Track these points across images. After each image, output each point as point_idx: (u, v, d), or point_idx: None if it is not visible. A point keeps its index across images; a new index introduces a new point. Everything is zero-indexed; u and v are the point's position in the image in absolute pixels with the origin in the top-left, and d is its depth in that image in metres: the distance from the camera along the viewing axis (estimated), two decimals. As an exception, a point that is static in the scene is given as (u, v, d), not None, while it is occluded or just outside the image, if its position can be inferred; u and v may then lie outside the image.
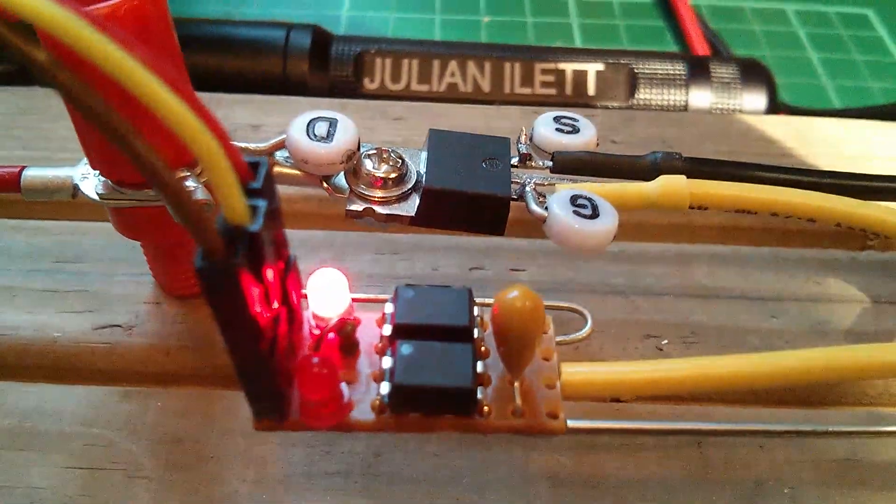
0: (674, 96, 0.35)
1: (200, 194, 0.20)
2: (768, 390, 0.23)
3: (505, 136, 0.22)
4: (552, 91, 0.35)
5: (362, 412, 0.16)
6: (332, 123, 0.20)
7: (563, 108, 0.23)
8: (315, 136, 0.20)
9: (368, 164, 0.21)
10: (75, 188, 0.21)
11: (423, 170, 0.21)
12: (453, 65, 0.35)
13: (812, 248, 0.27)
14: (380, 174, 0.20)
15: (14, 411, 0.21)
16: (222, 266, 0.12)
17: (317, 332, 0.17)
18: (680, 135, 0.30)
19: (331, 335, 0.16)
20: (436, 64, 0.35)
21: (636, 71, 0.35)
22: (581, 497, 0.19)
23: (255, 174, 0.14)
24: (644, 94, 0.35)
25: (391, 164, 0.21)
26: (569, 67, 0.35)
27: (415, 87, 0.35)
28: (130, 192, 0.20)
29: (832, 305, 0.25)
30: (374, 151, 0.21)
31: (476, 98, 0.35)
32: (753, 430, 0.19)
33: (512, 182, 0.20)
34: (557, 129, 0.22)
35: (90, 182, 0.21)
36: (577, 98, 0.35)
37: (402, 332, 0.16)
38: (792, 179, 0.21)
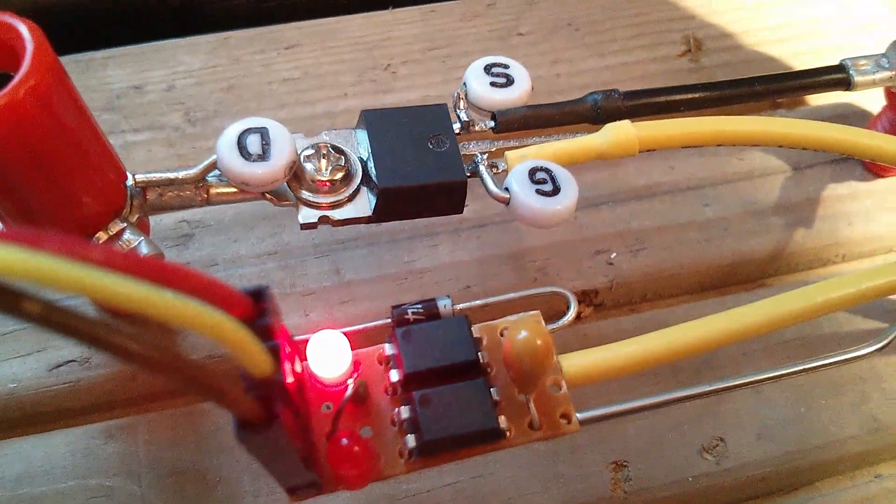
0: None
1: (144, 247, 0.18)
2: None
3: (441, 104, 0.21)
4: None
5: (391, 463, 0.16)
6: (264, 134, 0.19)
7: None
8: (250, 154, 0.18)
9: (310, 168, 0.19)
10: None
11: (363, 155, 0.20)
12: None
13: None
14: (325, 177, 0.19)
15: (4, 481, 0.20)
16: (264, 430, 0.12)
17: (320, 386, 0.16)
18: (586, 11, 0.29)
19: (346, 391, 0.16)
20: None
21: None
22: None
23: (255, 304, 0.13)
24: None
25: (332, 161, 0.20)
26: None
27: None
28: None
29: (757, 181, 0.26)
30: (312, 151, 0.20)
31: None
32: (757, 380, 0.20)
33: (463, 157, 0.20)
34: (492, 84, 0.21)
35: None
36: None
37: (415, 381, 0.16)
38: (725, 95, 0.21)
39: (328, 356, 0.16)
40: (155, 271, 0.11)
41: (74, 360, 0.22)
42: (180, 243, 0.24)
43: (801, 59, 0.29)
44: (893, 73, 0.23)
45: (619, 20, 0.29)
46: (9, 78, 0.16)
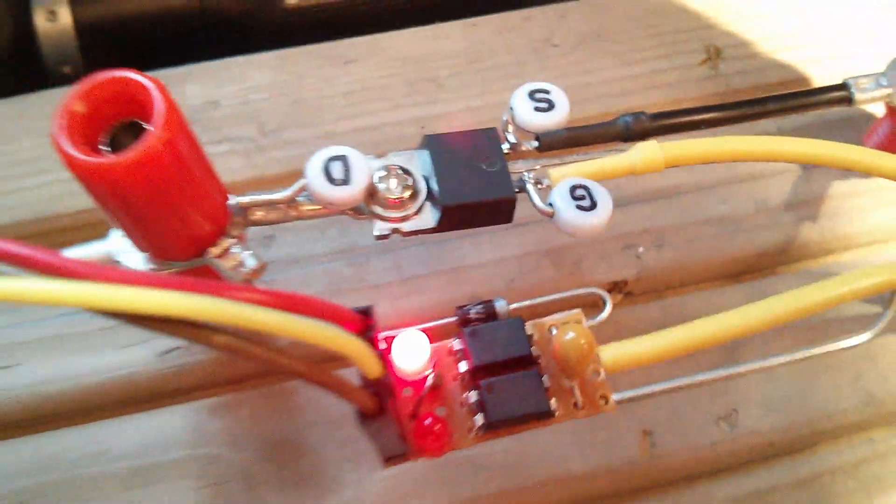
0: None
1: (250, 260, 0.22)
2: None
3: (492, 128, 0.24)
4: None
5: (462, 437, 0.20)
6: (344, 161, 0.22)
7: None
8: (334, 179, 0.22)
9: (383, 187, 0.23)
10: (117, 263, 0.23)
11: (426, 173, 0.23)
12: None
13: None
14: (395, 195, 0.23)
15: (125, 453, 0.24)
16: (378, 418, 0.16)
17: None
18: (613, 22, 0.32)
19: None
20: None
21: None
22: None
23: (364, 321, 0.16)
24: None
25: (401, 181, 0.23)
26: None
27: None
28: (178, 263, 0.22)
29: (768, 181, 0.29)
30: (384, 173, 0.23)
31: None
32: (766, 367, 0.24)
33: (511, 174, 0.23)
34: (536, 109, 0.24)
35: (133, 256, 0.23)
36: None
37: (480, 372, 0.20)
38: (741, 114, 0.25)
39: (412, 354, 0.20)
40: (299, 304, 0.14)
41: (179, 347, 0.26)
42: (264, 244, 0.27)
43: (813, 65, 0.32)
44: (891, 90, 0.26)
45: (644, 30, 0.32)
46: (134, 124, 0.20)
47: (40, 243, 0.27)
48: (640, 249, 0.28)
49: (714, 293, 0.28)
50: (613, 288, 0.27)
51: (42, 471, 0.24)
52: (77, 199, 0.28)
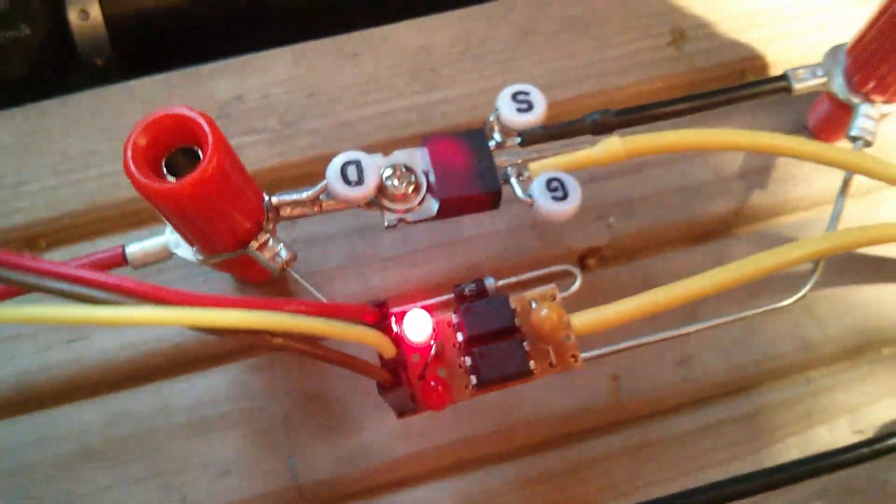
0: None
1: (284, 252, 0.27)
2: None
3: (480, 128, 0.28)
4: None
5: (460, 392, 0.25)
6: (358, 165, 0.26)
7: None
8: (349, 181, 0.26)
9: (390, 185, 0.27)
10: (172, 254, 0.27)
11: (426, 168, 0.28)
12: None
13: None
14: (401, 191, 0.27)
15: (180, 408, 0.29)
16: (395, 388, 0.21)
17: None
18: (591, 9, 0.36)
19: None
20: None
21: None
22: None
23: (380, 312, 0.21)
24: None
25: (405, 178, 0.27)
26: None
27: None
28: (225, 254, 0.27)
29: (723, 154, 0.33)
30: (391, 171, 0.27)
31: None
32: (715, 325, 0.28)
33: (497, 167, 0.27)
34: (518, 110, 0.28)
35: (185, 248, 0.27)
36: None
37: (473, 341, 0.24)
38: (692, 106, 0.29)
39: (418, 328, 0.24)
40: (332, 309, 0.19)
41: (223, 317, 0.31)
42: (288, 225, 0.32)
43: (773, 43, 0.35)
44: (824, 79, 0.30)
45: (617, 15, 0.36)
46: (187, 148, 0.24)
47: (90, 231, 0.32)
48: (612, 219, 0.32)
49: (677, 255, 0.32)
50: (588, 254, 0.32)
51: (113, 425, 0.29)
52: (123, 191, 0.32)
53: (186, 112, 0.23)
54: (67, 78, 0.40)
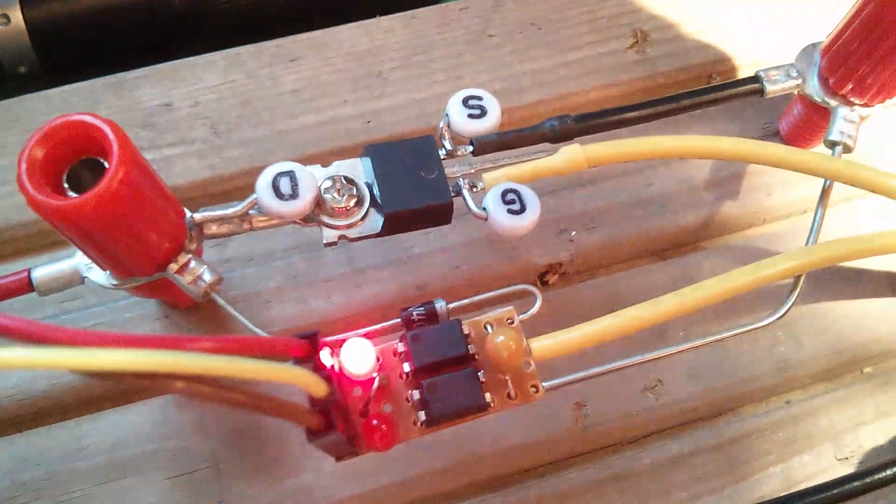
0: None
1: (207, 274, 0.24)
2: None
3: (429, 136, 0.25)
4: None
5: (407, 429, 0.22)
6: (292, 176, 0.24)
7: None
8: (283, 194, 0.24)
9: (329, 198, 0.24)
10: (83, 279, 0.24)
11: (368, 181, 0.25)
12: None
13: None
14: (341, 204, 0.24)
15: (99, 448, 0.26)
16: (326, 434, 0.18)
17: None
18: (547, 12, 0.34)
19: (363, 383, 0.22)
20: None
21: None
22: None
23: (309, 344, 0.19)
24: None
25: (346, 191, 0.25)
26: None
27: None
28: (140, 278, 0.24)
29: (691, 162, 0.31)
30: (330, 183, 0.25)
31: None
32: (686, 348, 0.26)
33: (448, 178, 0.25)
34: (469, 116, 0.26)
35: (97, 272, 0.24)
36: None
37: (422, 372, 0.22)
38: (656, 112, 0.27)
39: (359, 359, 0.22)
40: (248, 345, 0.16)
41: (147, 347, 0.28)
42: (221, 243, 0.29)
43: (734, 44, 0.33)
44: (799, 81, 0.28)
45: (576, 18, 0.34)
46: (92, 160, 0.21)
47: (5, 252, 0.28)
48: (573, 233, 0.30)
49: (644, 270, 0.30)
50: (549, 270, 0.30)
51: (21, 469, 0.26)
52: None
53: (88, 119, 0.20)
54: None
